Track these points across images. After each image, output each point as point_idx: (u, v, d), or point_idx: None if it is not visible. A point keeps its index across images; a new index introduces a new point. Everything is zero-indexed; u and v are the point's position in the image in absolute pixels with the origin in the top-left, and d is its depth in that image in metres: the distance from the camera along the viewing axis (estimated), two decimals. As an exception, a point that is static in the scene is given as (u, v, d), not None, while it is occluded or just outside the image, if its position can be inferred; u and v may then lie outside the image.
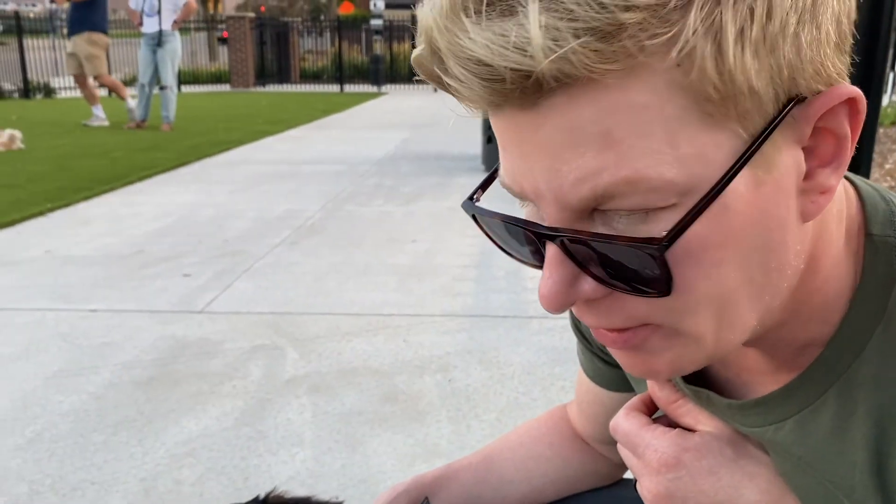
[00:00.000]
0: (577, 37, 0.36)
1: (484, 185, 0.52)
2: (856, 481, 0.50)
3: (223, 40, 20.21)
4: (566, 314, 0.53)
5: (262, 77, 18.73)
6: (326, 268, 3.66)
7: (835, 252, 0.49)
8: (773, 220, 0.43)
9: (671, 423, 0.59)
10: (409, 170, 6.48)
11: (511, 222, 0.46)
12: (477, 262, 3.72)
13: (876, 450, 0.49)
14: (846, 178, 0.53)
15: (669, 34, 0.37)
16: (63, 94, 14.34)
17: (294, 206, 5.02)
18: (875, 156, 5.33)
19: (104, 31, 8.98)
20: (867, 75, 2.28)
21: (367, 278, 3.48)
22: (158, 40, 8.59)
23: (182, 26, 9.07)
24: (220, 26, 22.84)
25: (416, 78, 0.44)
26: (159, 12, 8.48)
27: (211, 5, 33.35)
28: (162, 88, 8.79)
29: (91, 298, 3.21)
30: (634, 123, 0.39)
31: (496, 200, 0.48)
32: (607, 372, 0.76)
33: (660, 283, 0.42)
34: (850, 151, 0.44)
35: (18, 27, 14.43)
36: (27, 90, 14.25)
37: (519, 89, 0.39)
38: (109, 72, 9.65)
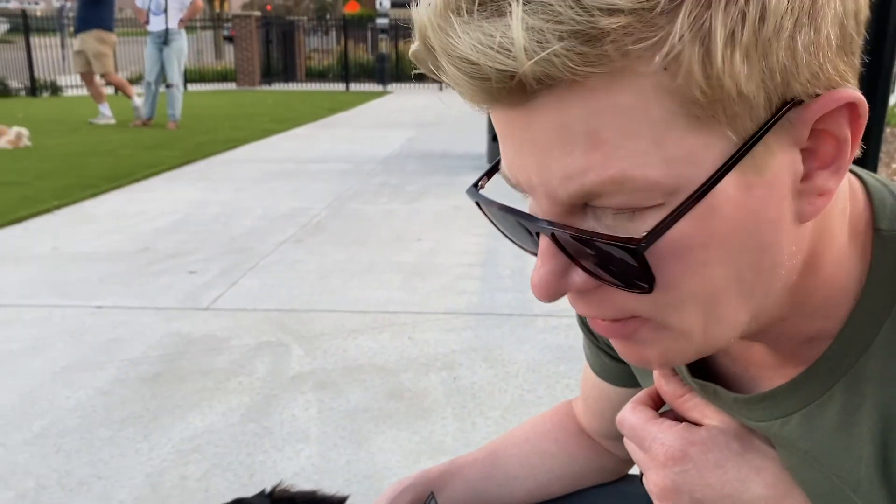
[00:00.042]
0: (561, 39, 0.37)
1: (489, 173, 0.53)
2: (862, 475, 0.51)
3: (229, 39, 20.25)
4: (573, 312, 0.54)
5: (268, 75, 18.74)
6: (332, 265, 3.67)
7: (837, 249, 0.49)
8: (764, 221, 0.43)
9: (678, 417, 0.59)
10: (414, 168, 6.48)
11: (506, 211, 0.47)
12: (482, 260, 3.72)
13: (882, 444, 0.49)
14: (854, 172, 0.53)
15: (655, 39, 0.37)
16: (69, 93, 14.38)
17: (300, 204, 5.03)
18: (882, 155, 5.31)
19: (112, 30, 9.00)
20: (874, 75, 2.28)
21: (373, 276, 3.49)
22: (165, 38, 8.61)
23: (188, 25, 9.09)
24: (226, 25, 22.90)
25: (417, 71, 0.45)
26: (166, 11, 8.49)
27: (217, 4, 33.40)
28: (168, 87, 8.81)
29: (97, 295, 3.23)
30: (621, 125, 0.39)
31: (507, 187, 0.49)
32: (613, 367, 0.76)
33: (641, 281, 0.43)
34: (850, 154, 0.43)
35: (25, 25, 14.47)
36: (34, 88, 14.29)
37: (505, 89, 0.39)
38: (116, 70, 9.66)
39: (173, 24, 8.57)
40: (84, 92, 10.72)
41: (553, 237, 0.45)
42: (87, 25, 8.73)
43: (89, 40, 8.75)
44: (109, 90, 10.20)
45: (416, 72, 0.45)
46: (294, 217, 4.65)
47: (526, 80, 0.38)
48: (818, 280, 0.49)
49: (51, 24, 17.64)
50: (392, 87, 18.10)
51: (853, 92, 0.42)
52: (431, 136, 8.68)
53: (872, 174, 0.54)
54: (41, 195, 5.14)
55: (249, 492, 0.91)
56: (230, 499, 0.87)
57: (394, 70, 18.79)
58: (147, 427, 2.14)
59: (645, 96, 0.39)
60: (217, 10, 31.12)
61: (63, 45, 16.63)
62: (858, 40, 0.43)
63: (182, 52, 8.81)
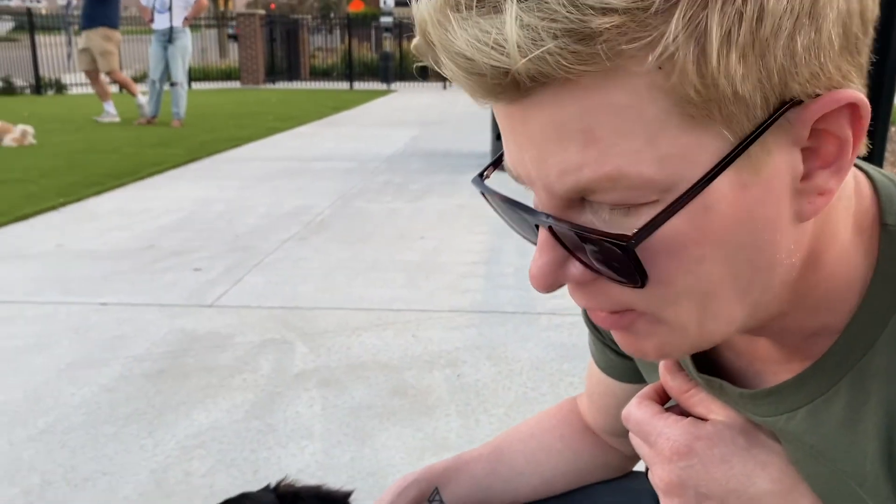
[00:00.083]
0: (555, 38, 0.37)
1: (495, 164, 0.53)
2: (867, 470, 0.51)
3: (233, 37, 20.26)
4: (577, 310, 0.54)
5: (272, 74, 18.74)
6: (336, 263, 3.67)
7: (840, 245, 0.49)
8: (761, 220, 0.43)
9: (683, 412, 0.59)
10: (418, 167, 6.48)
11: (508, 203, 0.48)
12: (485, 258, 3.72)
13: (888, 440, 0.49)
14: (860, 167, 0.53)
15: (649, 38, 0.37)
16: (74, 91, 14.41)
17: (304, 202, 5.03)
18: (887, 154, 5.30)
19: (117, 28, 9.02)
20: (879, 73, 2.28)
21: (376, 274, 3.49)
22: (169, 37, 8.62)
23: (192, 23, 9.08)
24: (230, 23, 22.91)
25: (420, 63, 0.45)
26: (170, 9, 8.51)
27: (221, 2, 33.42)
28: (172, 85, 8.82)
29: (102, 292, 3.24)
30: (614, 123, 0.40)
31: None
32: (618, 363, 0.76)
33: (633, 276, 0.44)
34: (851, 155, 0.43)
35: (30, 23, 14.51)
36: (39, 86, 14.32)
37: (500, 85, 0.40)
38: (121, 68, 9.68)
39: (178, 22, 8.59)
40: (89, 90, 10.74)
41: (551, 230, 0.45)
42: (92, 23, 8.75)
43: (95, 38, 8.77)
44: (114, 88, 10.22)
45: (419, 64, 0.45)
46: (298, 215, 4.66)
47: (520, 77, 0.39)
48: (819, 276, 0.49)
49: (56, 23, 17.67)
50: (396, 85, 18.09)
51: (854, 92, 0.41)
52: (435, 135, 8.68)
53: (879, 169, 0.54)
54: (46, 193, 5.15)
55: (253, 489, 0.91)
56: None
57: (398, 68, 18.78)
58: (151, 423, 2.15)
59: (639, 95, 0.39)
60: (221, 8, 31.14)
61: (68, 43, 16.66)
62: (865, 39, 0.43)
63: (186, 50, 8.82)
